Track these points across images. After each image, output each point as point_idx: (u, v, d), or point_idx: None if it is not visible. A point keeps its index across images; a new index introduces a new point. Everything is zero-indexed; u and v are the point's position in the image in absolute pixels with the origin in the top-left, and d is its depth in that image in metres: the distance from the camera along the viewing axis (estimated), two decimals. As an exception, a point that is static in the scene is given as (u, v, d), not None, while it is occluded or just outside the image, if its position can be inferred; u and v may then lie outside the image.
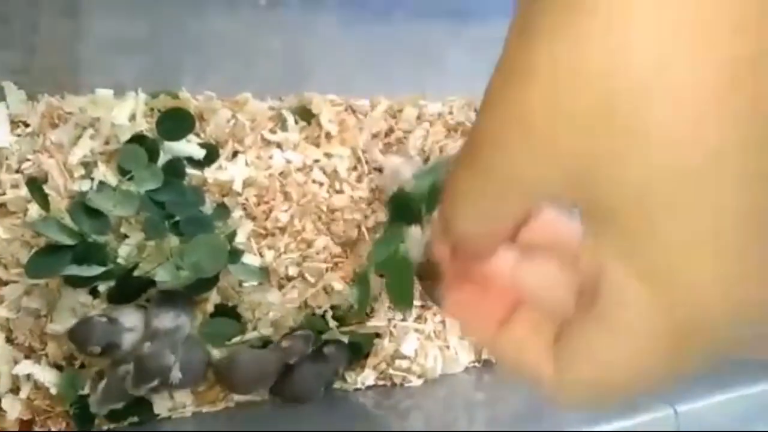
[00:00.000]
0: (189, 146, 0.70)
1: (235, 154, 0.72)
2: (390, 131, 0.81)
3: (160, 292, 0.65)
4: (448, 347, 0.79)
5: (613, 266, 0.19)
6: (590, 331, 0.21)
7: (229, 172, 0.71)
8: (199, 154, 0.70)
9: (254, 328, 0.71)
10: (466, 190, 0.21)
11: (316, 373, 0.70)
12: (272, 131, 0.74)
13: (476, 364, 0.82)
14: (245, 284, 0.70)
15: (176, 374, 0.63)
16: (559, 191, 0.20)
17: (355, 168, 0.78)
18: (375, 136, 0.79)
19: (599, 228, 0.19)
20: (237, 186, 0.70)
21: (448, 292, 0.26)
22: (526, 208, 0.21)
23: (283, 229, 0.73)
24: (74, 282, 0.63)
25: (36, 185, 0.60)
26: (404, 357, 0.75)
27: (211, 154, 0.71)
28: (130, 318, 0.63)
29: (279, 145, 0.74)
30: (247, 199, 0.71)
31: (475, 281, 0.25)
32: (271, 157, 0.73)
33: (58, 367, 0.64)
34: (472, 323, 0.26)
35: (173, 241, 0.66)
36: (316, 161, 0.75)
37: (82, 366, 0.65)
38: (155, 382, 0.62)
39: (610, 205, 0.18)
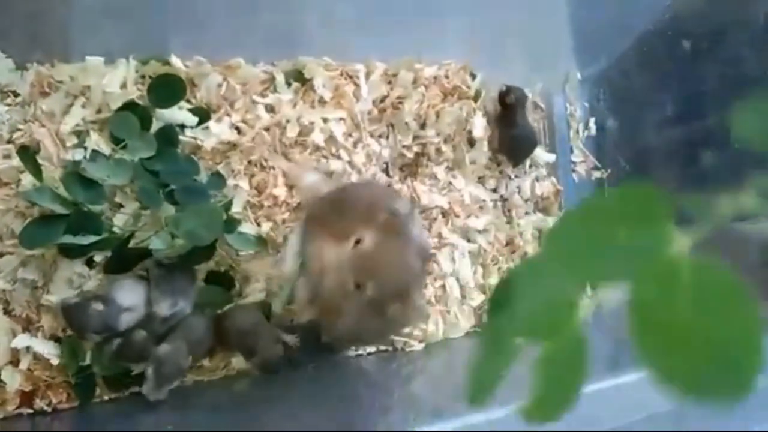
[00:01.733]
0: (181, 113, 0.69)
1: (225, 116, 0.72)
2: (384, 96, 0.80)
3: (158, 268, 0.64)
4: (448, 312, 0.79)
5: None
6: None
7: (218, 133, 0.70)
8: (192, 121, 0.69)
9: (245, 295, 0.70)
10: None
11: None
12: (263, 95, 0.73)
13: (477, 328, 0.81)
14: (242, 253, 0.70)
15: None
16: None
17: (350, 135, 0.77)
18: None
19: None
20: (225, 140, 0.70)
21: None
22: None
23: (276, 198, 0.72)
24: (69, 251, 0.62)
25: (28, 154, 0.60)
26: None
27: (203, 119, 0.70)
28: (129, 295, 0.62)
29: (271, 108, 0.73)
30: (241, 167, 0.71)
31: None
32: (260, 118, 0.72)
33: (56, 339, 0.64)
34: None
35: (168, 210, 0.65)
36: (311, 123, 0.74)
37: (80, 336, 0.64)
38: (176, 384, 0.63)
39: None
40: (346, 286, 0.55)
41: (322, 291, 0.56)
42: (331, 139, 0.75)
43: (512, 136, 0.85)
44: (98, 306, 0.61)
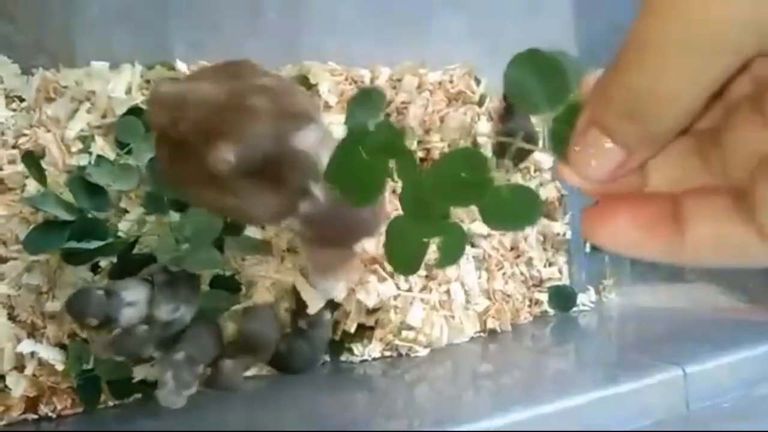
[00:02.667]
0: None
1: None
2: (389, 102, 0.80)
3: (163, 275, 0.64)
4: (453, 317, 0.79)
5: None
6: None
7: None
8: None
9: (250, 296, 0.70)
10: (659, 42, 0.19)
11: (308, 344, 0.70)
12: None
13: (482, 334, 0.81)
14: (248, 257, 0.70)
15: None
16: None
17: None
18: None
19: None
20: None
21: (606, 218, 0.23)
22: (736, 63, 0.19)
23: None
24: (73, 258, 0.62)
25: (32, 159, 0.60)
26: (410, 328, 0.75)
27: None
28: (132, 292, 0.62)
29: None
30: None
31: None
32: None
33: (61, 346, 0.64)
34: (649, 243, 0.23)
35: (174, 215, 0.65)
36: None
37: (85, 341, 0.64)
38: (193, 389, 0.62)
39: None
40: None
41: None
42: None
43: (510, 133, 0.85)
44: (99, 291, 0.60)
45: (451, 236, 0.29)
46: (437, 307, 0.78)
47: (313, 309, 0.70)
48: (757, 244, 0.21)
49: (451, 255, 0.30)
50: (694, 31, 0.18)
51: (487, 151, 0.84)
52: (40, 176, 0.60)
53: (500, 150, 0.86)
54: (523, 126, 0.86)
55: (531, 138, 0.87)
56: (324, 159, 0.46)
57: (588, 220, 0.24)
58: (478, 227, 0.82)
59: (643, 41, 0.19)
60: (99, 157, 0.65)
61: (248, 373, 0.69)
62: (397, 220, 0.29)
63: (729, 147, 0.22)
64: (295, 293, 0.72)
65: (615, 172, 0.22)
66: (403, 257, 0.30)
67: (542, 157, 0.89)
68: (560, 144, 0.23)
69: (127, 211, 0.66)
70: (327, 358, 0.74)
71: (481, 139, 0.83)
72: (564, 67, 0.24)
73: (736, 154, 0.22)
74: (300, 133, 0.47)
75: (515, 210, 0.26)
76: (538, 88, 0.24)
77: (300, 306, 0.71)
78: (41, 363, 0.63)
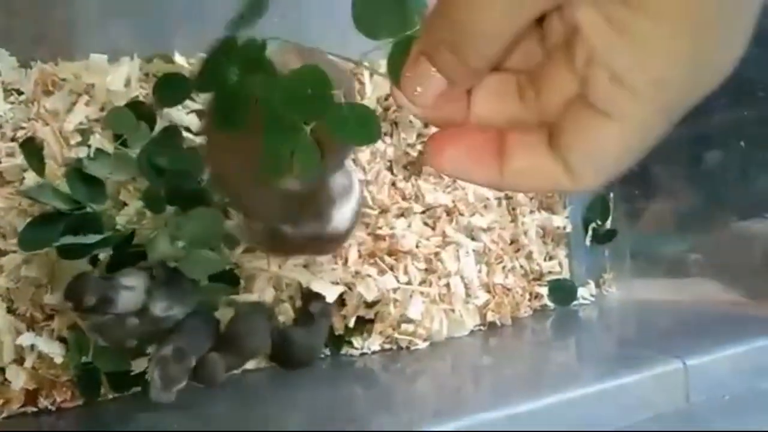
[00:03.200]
0: (187, 117, 0.69)
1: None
2: (388, 95, 0.80)
3: (162, 270, 0.64)
4: (453, 311, 0.78)
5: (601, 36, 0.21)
6: (586, 119, 0.23)
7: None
8: (197, 124, 0.69)
9: (249, 291, 0.70)
10: None
11: (308, 336, 0.70)
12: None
13: (481, 327, 0.81)
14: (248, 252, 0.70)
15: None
16: None
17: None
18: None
19: None
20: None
21: (440, 148, 0.26)
22: (541, 9, 0.22)
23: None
24: (69, 253, 0.61)
25: (33, 148, 0.59)
26: (410, 321, 0.74)
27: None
28: (130, 279, 0.61)
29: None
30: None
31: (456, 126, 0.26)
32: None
33: (61, 339, 0.64)
34: (477, 171, 0.26)
35: (170, 212, 0.65)
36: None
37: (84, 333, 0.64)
38: (182, 384, 0.61)
39: None
40: None
41: None
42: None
43: None
44: (96, 275, 0.60)
45: (303, 149, 0.32)
46: (437, 301, 0.78)
47: (331, 297, 0.70)
48: (563, 176, 0.24)
49: (305, 167, 0.32)
50: None
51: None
52: (39, 165, 0.59)
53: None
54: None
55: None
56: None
57: (427, 148, 0.27)
58: (478, 220, 0.82)
59: None
60: (97, 150, 0.64)
61: (248, 367, 0.69)
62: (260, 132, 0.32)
63: (543, 88, 0.25)
64: (301, 288, 0.72)
65: (438, 100, 0.24)
66: (267, 168, 0.34)
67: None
68: (396, 70, 0.25)
69: (126, 204, 0.66)
70: (327, 351, 0.74)
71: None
72: (407, 3, 0.28)
73: (548, 95, 0.25)
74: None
75: (356, 127, 0.29)
76: (382, 18, 0.28)
77: (306, 300, 0.71)
78: (41, 356, 0.63)
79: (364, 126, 0.29)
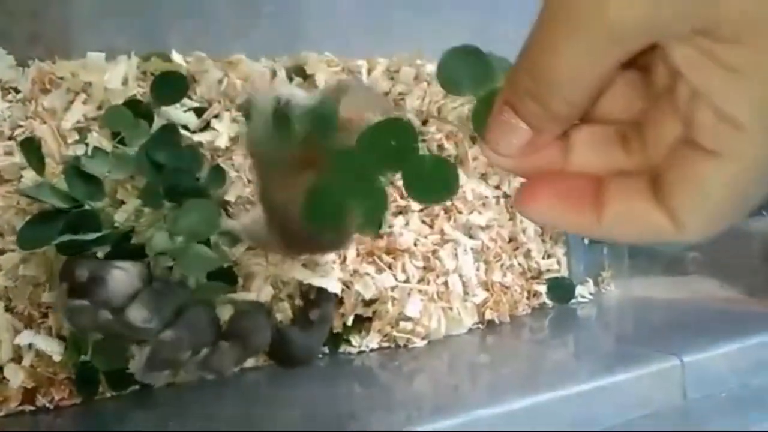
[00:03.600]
0: (185, 115, 0.69)
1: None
2: (386, 93, 0.80)
3: (159, 283, 0.63)
4: (451, 309, 0.79)
5: (721, 89, 0.20)
6: (698, 162, 0.21)
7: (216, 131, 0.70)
8: (195, 123, 0.69)
9: (247, 289, 0.70)
10: (561, 38, 0.21)
11: (307, 338, 0.70)
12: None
13: (480, 325, 0.81)
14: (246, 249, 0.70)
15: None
16: (665, 25, 0.20)
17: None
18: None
19: (705, 45, 0.20)
20: (223, 142, 0.69)
21: (532, 193, 0.25)
22: (623, 56, 0.21)
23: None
24: (68, 250, 0.61)
25: (32, 146, 0.59)
26: (408, 319, 0.75)
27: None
28: (126, 263, 0.61)
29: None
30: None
31: (550, 173, 0.25)
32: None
33: (59, 337, 0.64)
34: (572, 217, 0.25)
35: (167, 206, 0.65)
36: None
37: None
38: (165, 372, 0.61)
39: (730, 19, 0.19)
40: None
41: None
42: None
43: None
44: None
45: (374, 200, 0.30)
46: (435, 299, 0.78)
47: (332, 289, 0.70)
48: (667, 224, 0.23)
49: (372, 219, 0.31)
50: (585, 22, 0.20)
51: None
52: (39, 164, 0.59)
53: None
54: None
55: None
56: None
57: (518, 194, 0.25)
58: (477, 218, 0.82)
59: (543, 29, 0.21)
60: (95, 148, 0.64)
61: (247, 365, 0.69)
62: (322, 178, 0.30)
63: (648, 136, 0.24)
64: (300, 286, 0.72)
65: (525, 149, 0.24)
66: (322, 215, 0.32)
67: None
68: (480, 124, 0.25)
69: (123, 202, 0.66)
70: (325, 350, 0.74)
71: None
72: (490, 60, 0.28)
73: (653, 142, 0.24)
74: None
75: (434, 180, 0.28)
76: (466, 74, 0.28)
77: (305, 305, 0.71)
78: (39, 354, 0.62)
79: (443, 180, 0.28)
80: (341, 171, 0.30)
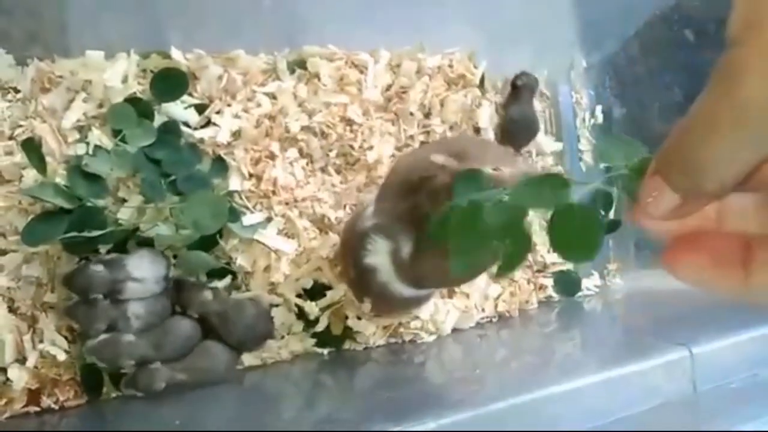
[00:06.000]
0: (185, 112, 0.69)
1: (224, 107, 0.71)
2: (388, 86, 0.79)
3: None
4: (459, 303, 0.78)
5: None
6: None
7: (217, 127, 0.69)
8: (195, 120, 0.69)
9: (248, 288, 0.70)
10: (725, 126, 0.21)
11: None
12: (263, 84, 0.73)
13: (488, 319, 0.81)
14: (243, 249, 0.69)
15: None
16: None
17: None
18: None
19: None
20: (224, 138, 0.69)
21: (680, 255, 0.26)
22: None
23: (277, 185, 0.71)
24: (73, 247, 0.61)
25: (32, 146, 0.59)
26: (416, 317, 0.74)
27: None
28: (138, 263, 0.62)
29: (273, 96, 0.73)
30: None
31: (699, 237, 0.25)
32: (260, 106, 0.72)
33: (62, 337, 0.63)
34: (719, 281, 0.25)
35: (172, 200, 0.65)
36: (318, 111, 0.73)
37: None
38: (162, 384, 0.62)
39: None
40: None
41: None
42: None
43: (511, 118, 0.85)
44: (98, 268, 0.60)
45: (519, 245, 0.30)
46: (443, 293, 0.77)
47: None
48: None
49: (513, 262, 0.31)
50: (755, 114, 0.20)
51: (489, 135, 0.83)
52: (40, 163, 0.59)
53: (502, 134, 0.85)
54: (525, 111, 0.85)
55: (533, 123, 0.87)
56: None
57: (665, 254, 0.26)
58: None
59: (699, 115, 0.22)
60: (96, 147, 0.64)
61: (246, 364, 0.69)
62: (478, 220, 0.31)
63: None
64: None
65: (673, 214, 0.24)
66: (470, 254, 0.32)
67: (545, 141, 0.89)
68: (631, 190, 0.26)
69: (125, 200, 0.65)
70: (329, 348, 0.73)
71: (482, 123, 0.82)
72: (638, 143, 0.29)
73: None
74: None
75: (578, 237, 0.27)
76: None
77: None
78: (43, 355, 0.62)
79: (588, 237, 0.28)
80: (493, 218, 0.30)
